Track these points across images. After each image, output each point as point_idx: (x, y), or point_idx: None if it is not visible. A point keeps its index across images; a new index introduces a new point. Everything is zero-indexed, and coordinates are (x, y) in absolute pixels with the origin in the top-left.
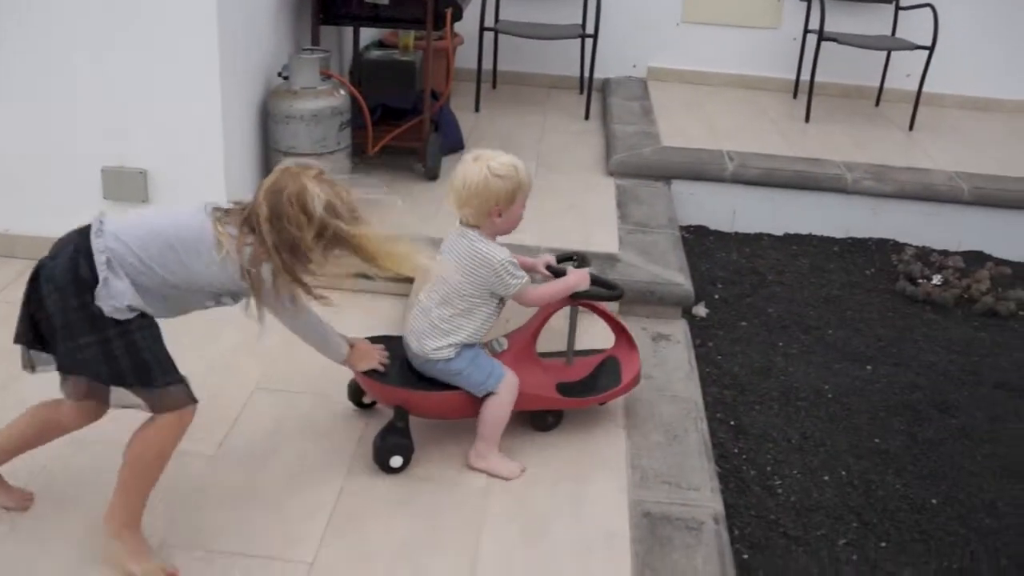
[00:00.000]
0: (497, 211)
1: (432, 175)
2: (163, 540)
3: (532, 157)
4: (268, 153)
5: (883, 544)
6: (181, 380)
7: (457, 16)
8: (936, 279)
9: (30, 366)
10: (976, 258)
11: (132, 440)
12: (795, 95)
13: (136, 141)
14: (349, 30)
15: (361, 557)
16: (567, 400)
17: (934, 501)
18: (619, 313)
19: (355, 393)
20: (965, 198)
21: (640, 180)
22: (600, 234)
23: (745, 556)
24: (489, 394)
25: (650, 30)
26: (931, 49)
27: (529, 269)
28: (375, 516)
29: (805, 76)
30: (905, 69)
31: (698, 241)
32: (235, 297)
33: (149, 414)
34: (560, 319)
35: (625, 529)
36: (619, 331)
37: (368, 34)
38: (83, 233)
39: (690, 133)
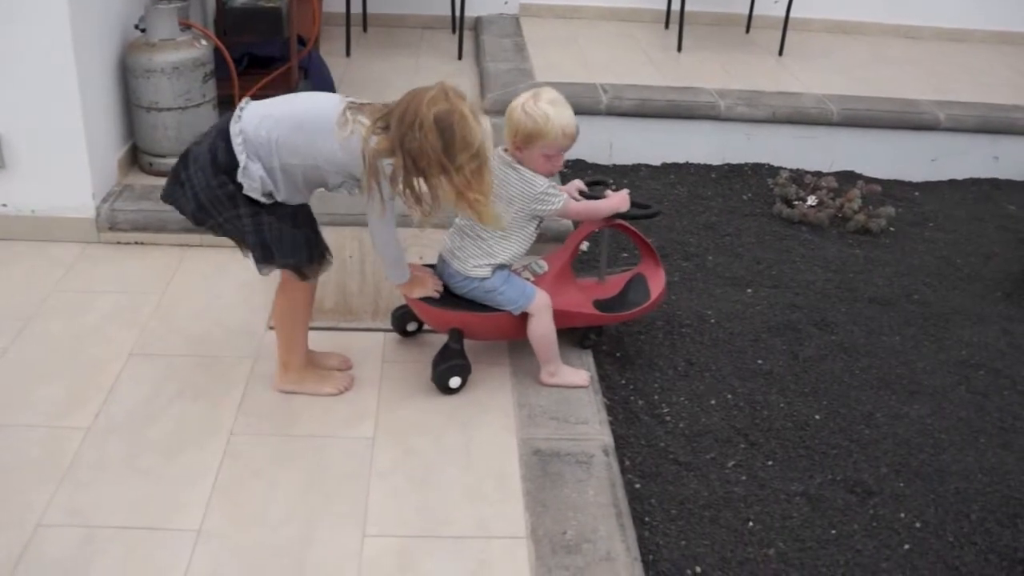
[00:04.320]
0: (515, 144)
1: None
2: (39, 519)
3: None
4: (130, 110)
5: (770, 463)
6: (303, 261)
7: None
8: (811, 200)
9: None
10: (848, 178)
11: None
12: (667, 25)
13: None
14: None
15: (249, 519)
16: (605, 315)
17: (817, 417)
18: None
19: (400, 321)
20: (835, 120)
21: None
22: None
23: (637, 486)
24: (526, 315)
25: None
26: None
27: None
28: (261, 477)
29: (676, 6)
30: None
31: (576, 175)
32: (351, 188)
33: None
34: None
35: (515, 468)
36: (646, 250)
37: None
38: (226, 118)
39: (564, 68)
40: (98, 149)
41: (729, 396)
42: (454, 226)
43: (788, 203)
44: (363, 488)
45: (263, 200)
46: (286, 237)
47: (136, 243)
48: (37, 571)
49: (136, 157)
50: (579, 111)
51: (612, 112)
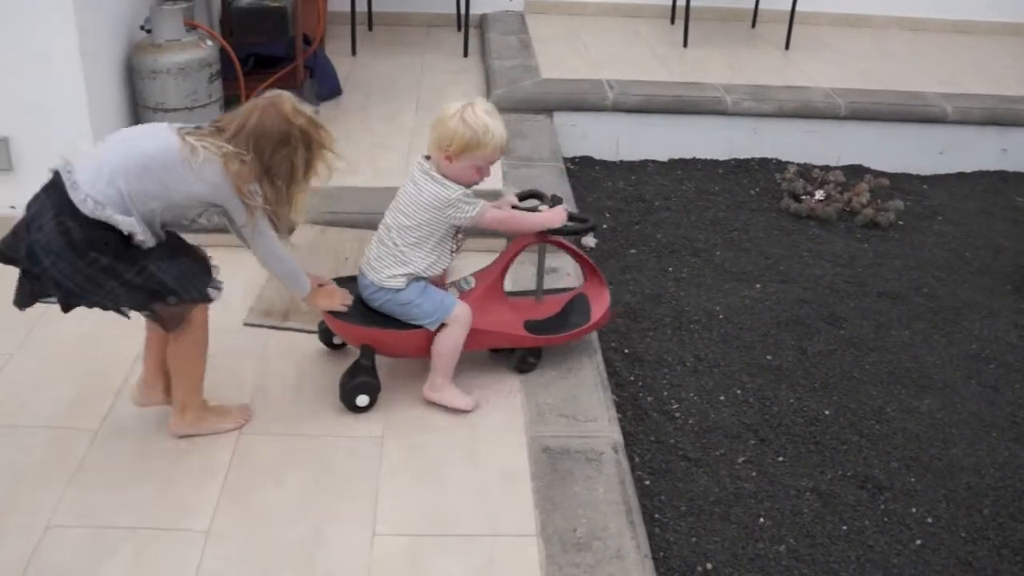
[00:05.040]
0: (446, 154)
1: None
2: (49, 521)
3: (412, 98)
4: (137, 111)
5: (780, 458)
6: (203, 289)
7: None
8: (818, 194)
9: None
10: (855, 172)
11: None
12: (672, 20)
13: None
14: None
15: (259, 519)
16: (536, 337)
17: (827, 412)
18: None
19: (325, 334)
20: (842, 113)
21: (522, 114)
22: None
23: (647, 482)
24: (442, 326)
25: None
26: None
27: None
28: (270, 476)
29: (681, 1)
30: None
31: (584, 172)
32: (210, 217)
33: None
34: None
35: (525, 466)
36: (589, 269)
37: None
38: (53, 192)
39: (570, 64)
40: None
41: (738, 392)
42: (374, 236)
43: (796, 198)
44: (372, 487)
45: (147, 245)
46: (182, 271)
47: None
48: (48, 572)
49: None
50: (585, 107)
51: (618, 108)
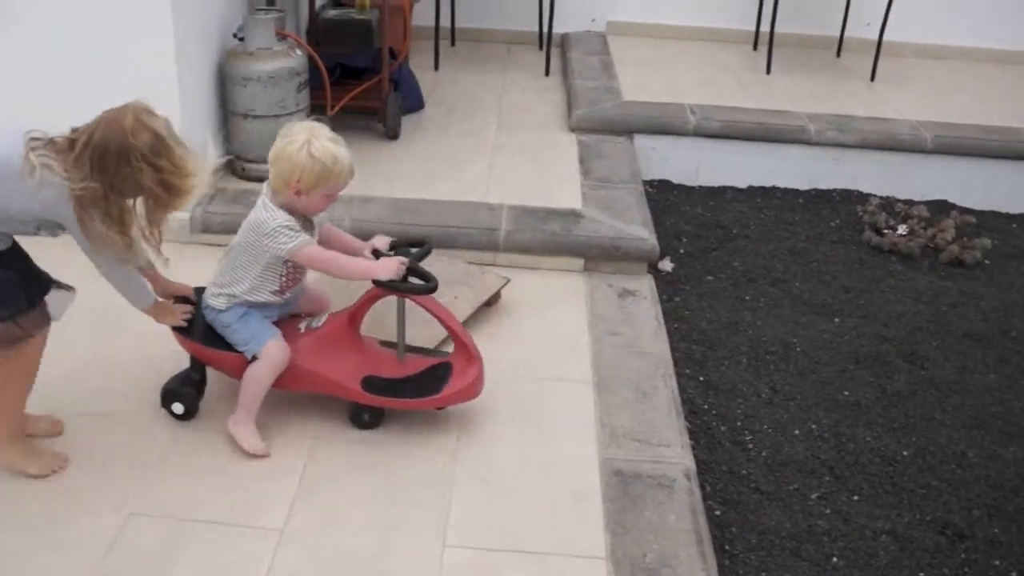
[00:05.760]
0: (297, 188)
1: (392, 135)
2: (130, 511)
3: (493, 115)
4: (226, 116)
5: (855, 497)
6: (19, 309)
7: None
8: (901, 229)
9: None
10: (941, 207)
11: None
12: (755, 47)
13: (91, 107)
14: None
15: (331, 521)
16: (366, 395)
17: (905, 453)
18: (584, 269)
19: None
20: (928, 147)
21: (602, 135)
22: (563, 190)
23: (718, 512)
24: (255, 358)
25: None
26: None
27: (355, 252)
28: (344, 480)
29: (765, 27)
30: (865, 18)
31: (662, 196)
32: (52, 231)
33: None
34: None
35: (596, 488)
36: (455, 338)
37: None
38: None
39: (651, 87)
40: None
41: (814, 427)
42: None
43: (878, 231)
44: (444, 498)
45: None
46: None
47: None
48: (127, 557)
49: (230, 162)
50: (666, 131)
51: (700, 133)
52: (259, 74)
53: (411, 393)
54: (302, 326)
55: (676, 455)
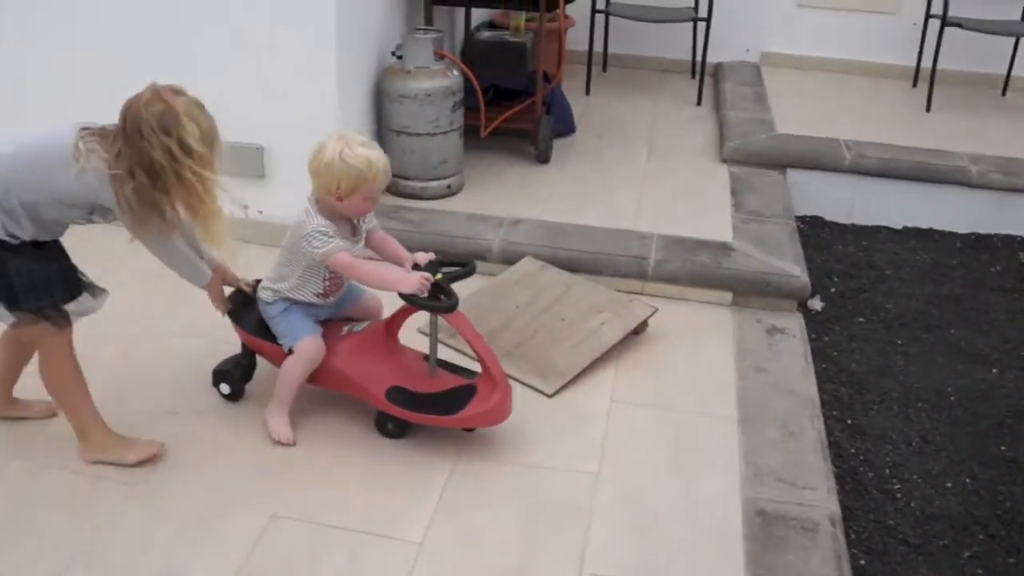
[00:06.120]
0: (338, 195)
1: (544, 158)
2: (273, 512)
3: (644, 142)
4: (381, 132)
5: (1012, 560)
6: (52, 301)
7: None
8: None
9: None
10: None
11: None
12: (915, 83)
13: (254, 116)
14: (460, 10)
15: (470, 541)
16: (387, 404)
17: None
18: (733, 303)
19: None
20: None
21: (754, 168)
22: (713, 222)
23: (862, 562)
24: (291, 352)
25: (764, 14)
26: None
27: (399, 262)
28: (484, 501)
29: (926, 63)
30: None
31: (813, 232)
32: (104, 215)
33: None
34: None
35: (738, 527)
36: (480, 361)
37: (479, 14)
38: None
39: (806, 121)
40: None
41: (968, 480)
42: None
43: None
44: (584, 524)
45: (7, 240)
46: (35, 274)
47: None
48: (272, 558)
49: None
50: (820, 167)
51: (855, 170)
52: (416, 92)
53: (430, 409)
54: (345, 329)
55: (821, 499)
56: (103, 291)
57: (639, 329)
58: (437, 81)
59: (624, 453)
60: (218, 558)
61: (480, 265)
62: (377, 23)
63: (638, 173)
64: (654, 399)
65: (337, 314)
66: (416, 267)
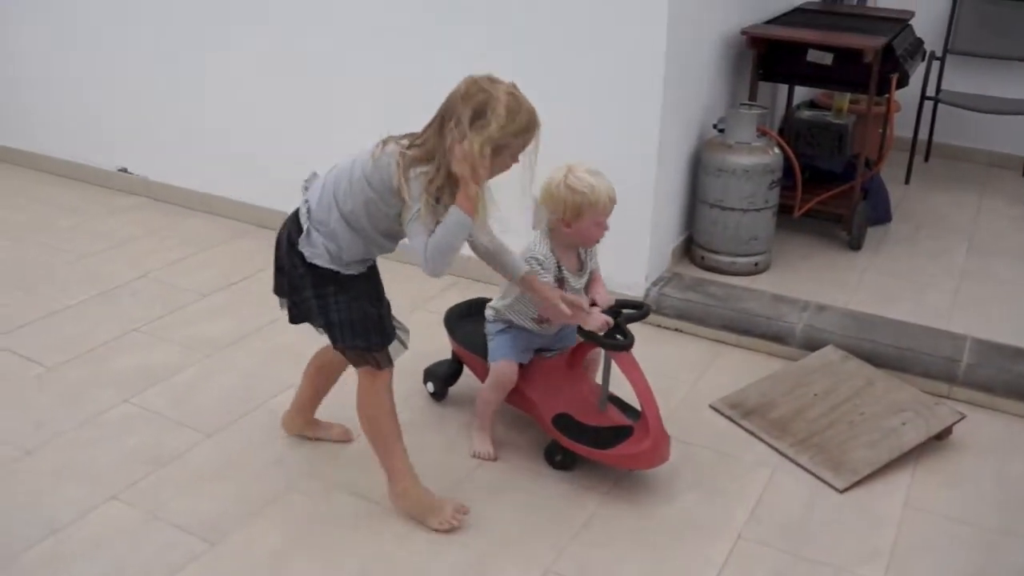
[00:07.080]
0: (565, 221)
1: (856, 245)
2: (549, 566)
3: (964, 238)
4: (694, 203)
5: None
6: (371, 344)
7: (903, 82)
8: None
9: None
10: None
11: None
12: None
13: None
14: (782, 87)
15: None
16: (551, 427)
17: None
18: None
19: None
20: None
21: None
22: None
23: None
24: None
25: None
26: None
27: (589, 296)
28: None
29: None
30: None
31: None
32: (399, 219)
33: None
34: None
35: None
36: (642, 406)
37: (801, 93)
38: (291, 222)
39: None
40: (659, 235)
41: None
42: None
43: None
44: None
45: (330, 267)
46: (355, 315)
47: (675, 330)
48: None
49: (689, 249)
50: None
51: None
52: (735, 167)
53: (587, 441)
54: (548, 355)
55: None
56: (407, 332)
57: (942, 435)
58: (757, 158)
59: (915, 563)
60: None
61: (780, 349)
62: (702, 95)
63: (955, 269)
64: (953, 511)
65: (556, 345)
66: (594, 304)
